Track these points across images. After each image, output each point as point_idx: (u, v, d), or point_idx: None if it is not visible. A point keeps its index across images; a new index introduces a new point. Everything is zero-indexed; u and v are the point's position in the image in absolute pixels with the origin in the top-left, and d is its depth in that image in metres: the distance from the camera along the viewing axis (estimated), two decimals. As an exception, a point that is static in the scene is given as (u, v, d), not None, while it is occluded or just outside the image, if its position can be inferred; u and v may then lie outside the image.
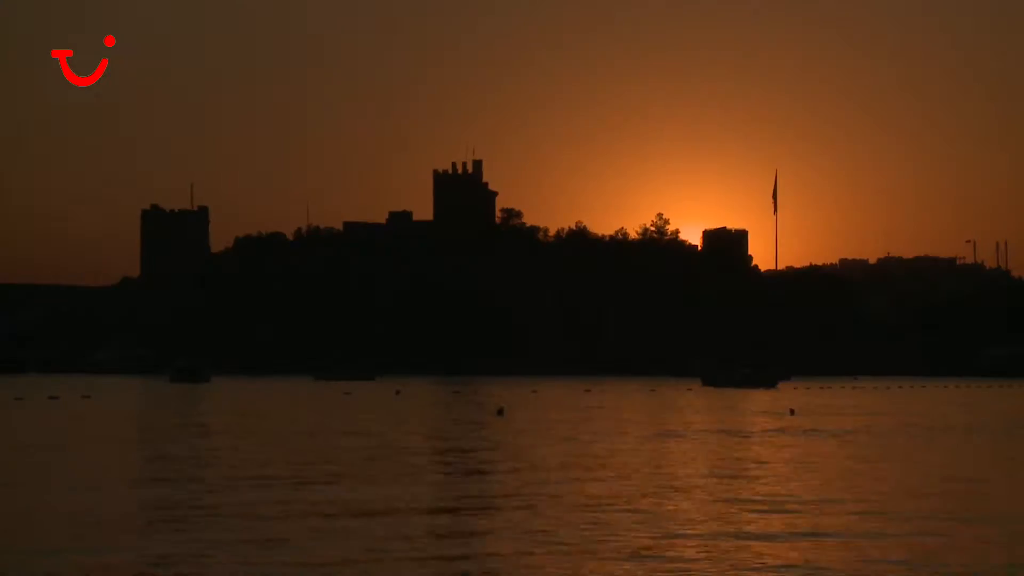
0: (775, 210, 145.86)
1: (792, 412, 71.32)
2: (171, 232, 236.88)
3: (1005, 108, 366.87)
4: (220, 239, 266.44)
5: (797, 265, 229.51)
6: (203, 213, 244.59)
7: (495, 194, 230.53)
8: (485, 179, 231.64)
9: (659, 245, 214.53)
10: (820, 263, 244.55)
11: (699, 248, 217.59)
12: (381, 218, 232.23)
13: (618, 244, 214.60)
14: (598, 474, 33.87)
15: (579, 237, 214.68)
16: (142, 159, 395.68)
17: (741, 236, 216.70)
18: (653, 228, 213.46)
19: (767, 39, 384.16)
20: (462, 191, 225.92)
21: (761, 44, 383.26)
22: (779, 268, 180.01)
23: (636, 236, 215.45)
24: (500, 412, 67.42)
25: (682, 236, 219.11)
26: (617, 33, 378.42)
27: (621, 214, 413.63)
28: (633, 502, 27.02)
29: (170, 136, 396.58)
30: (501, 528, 23.13)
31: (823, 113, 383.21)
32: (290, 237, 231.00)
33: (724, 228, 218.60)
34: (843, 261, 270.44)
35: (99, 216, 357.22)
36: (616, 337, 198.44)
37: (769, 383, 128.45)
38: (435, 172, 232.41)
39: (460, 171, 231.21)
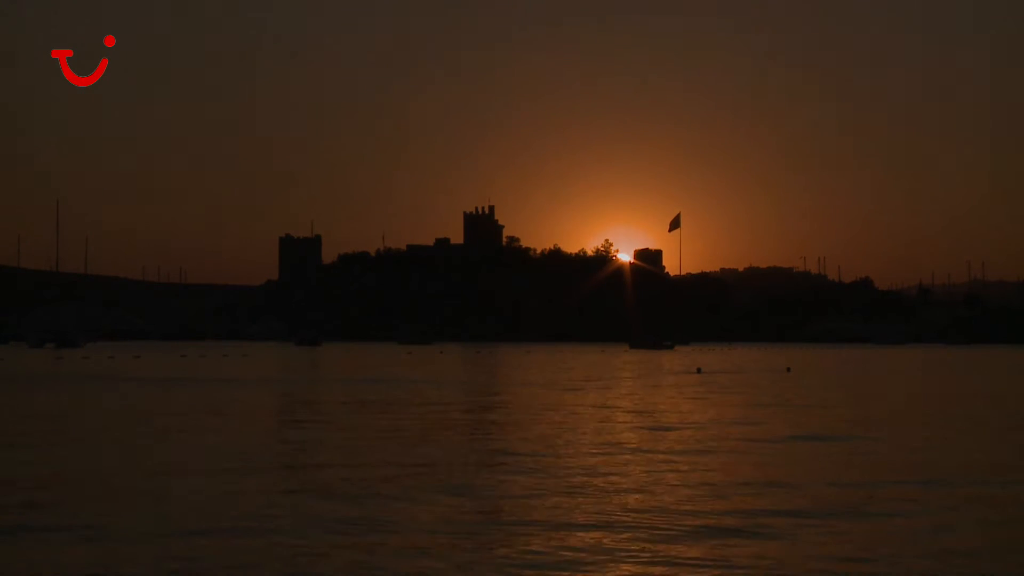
0: (680, 235, 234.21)
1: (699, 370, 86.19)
2: (297, 253, 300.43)
3: (858, 133, 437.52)
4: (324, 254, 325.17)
5: (694, 271, 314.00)
6: (318, 240, 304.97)
7: (503, 227, 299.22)
8: (496, 217, 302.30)
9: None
10: (708, 270, 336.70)
11: (631, 263, 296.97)
12: (430, 241, 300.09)
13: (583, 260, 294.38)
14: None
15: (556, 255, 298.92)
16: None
17: (657, 254, 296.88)
18: (603, 249, 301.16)
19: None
20: (481, 225, 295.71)
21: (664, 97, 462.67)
22: (683, 274, 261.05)
23: (591, 254, 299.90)
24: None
25: (621, 253, 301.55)
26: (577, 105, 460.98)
27: (582, 238, 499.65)
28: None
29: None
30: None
31: (717, 161, 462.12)
32: (371, 254, 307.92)
33: (647, 248, 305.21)
34: (723, 269, 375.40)
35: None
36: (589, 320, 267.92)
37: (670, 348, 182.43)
38: (464, 213, 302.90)
39: (481, 211, 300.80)
